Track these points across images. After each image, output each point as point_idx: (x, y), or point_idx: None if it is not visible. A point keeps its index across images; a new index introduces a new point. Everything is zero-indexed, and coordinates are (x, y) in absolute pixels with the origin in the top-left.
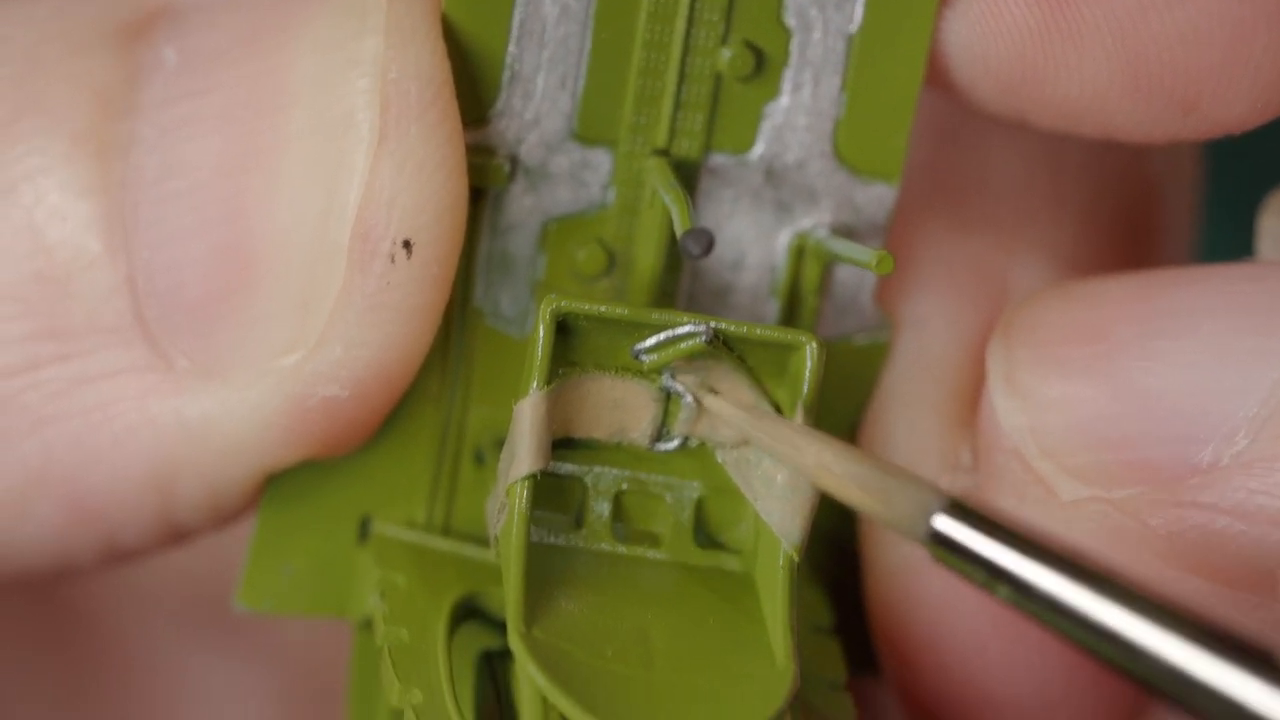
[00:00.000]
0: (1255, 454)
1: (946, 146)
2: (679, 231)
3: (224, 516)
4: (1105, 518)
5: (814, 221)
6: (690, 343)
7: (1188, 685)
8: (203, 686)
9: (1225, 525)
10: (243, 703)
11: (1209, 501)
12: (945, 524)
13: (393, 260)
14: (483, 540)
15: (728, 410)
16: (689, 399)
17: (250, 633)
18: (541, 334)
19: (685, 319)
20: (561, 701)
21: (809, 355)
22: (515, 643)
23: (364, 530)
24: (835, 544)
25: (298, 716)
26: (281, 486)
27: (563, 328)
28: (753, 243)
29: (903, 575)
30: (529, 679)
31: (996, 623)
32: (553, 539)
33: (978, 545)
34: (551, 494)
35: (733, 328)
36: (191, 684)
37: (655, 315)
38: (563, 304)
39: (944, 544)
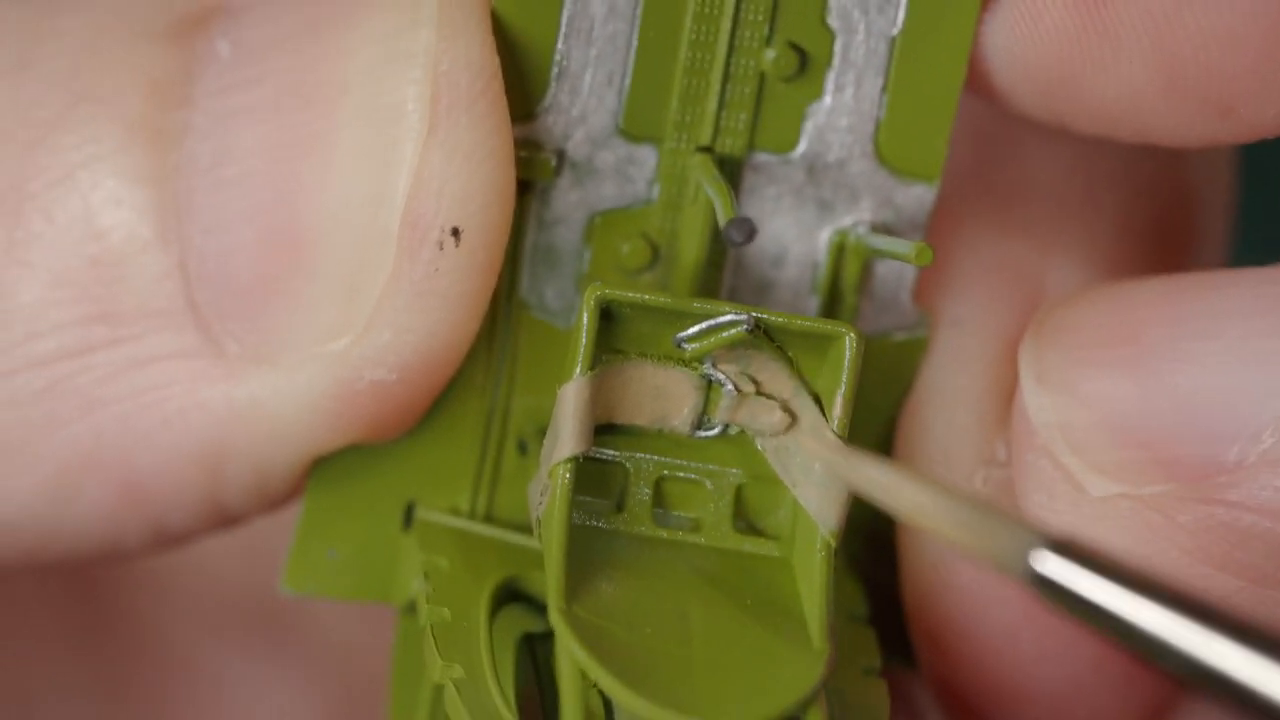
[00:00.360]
0: None
1: (985, 150)
2: (722, 221)
3: (272, 500)
4: (1133, 514)
5: (855, 219)
6: (731, 331)
7: None
8: (241, 688)
9: (1252, 522)
10: (281, 705)
11: (1236, 499)
12: (1045, 563)
13: (441, 247)
14: (525, 529)
15: (819, 449)
16: (730, 387)
17: (290, 635)
18: (586, 320)
19: (727, 308)
20: (600, 674)
21: (848, 346)
22: (555, 618)
23: (409, 517)
24: (873, 537)
25: (341, 715)
26: (328, 471)
27: (607, 316)
28: (794, 240)
29: (937, 567)
30: (568, 654)
31: (1028, 613)
32: (594, 522)
33: (1078, 584)
34: (594, 479)
35: (774, 317)
36: (230, 686)
37: (697, 304)
38: (607, 292)
39: (1045, 584)
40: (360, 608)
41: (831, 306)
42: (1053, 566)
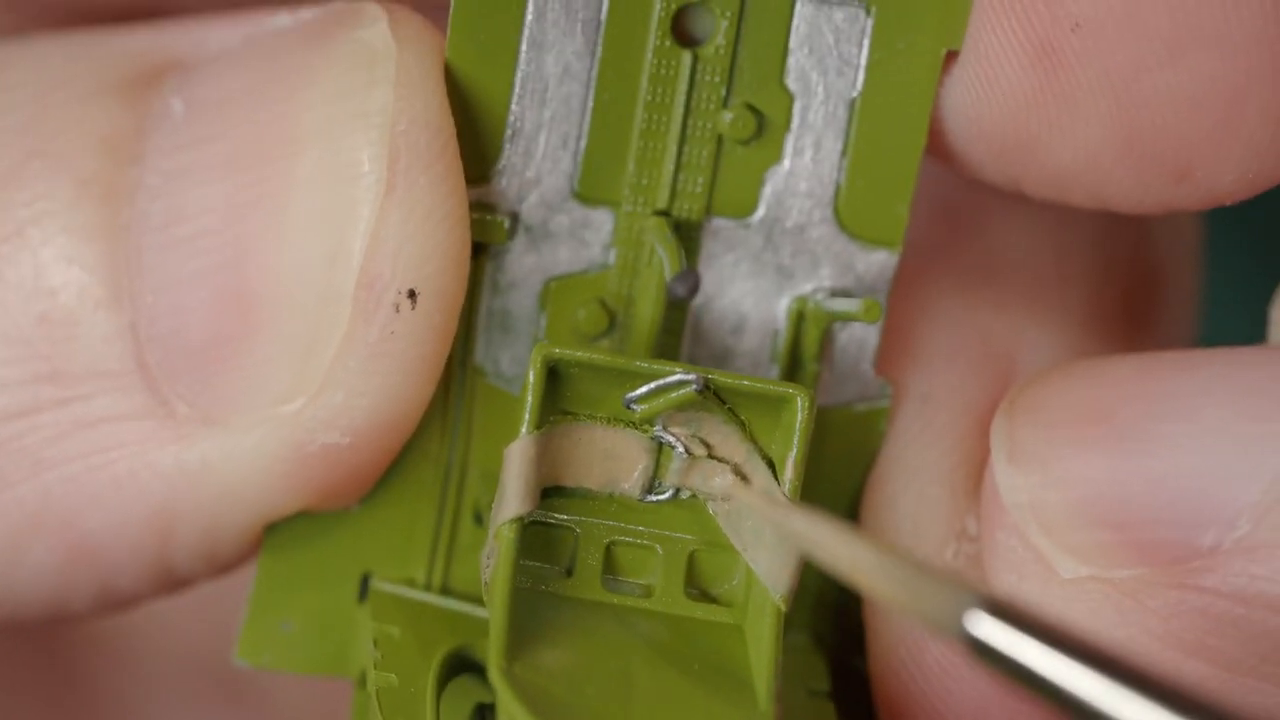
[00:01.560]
0: (1257, 540)
1: (953, 224)
2: (668, 279)
3: (221, 565)
4: (1104, 597)
5: (815, 286)
6: (681, 392)
7: None
8: None
9: (1225, 609)
10: None
11: (1209, 585)
12: (980, 625)
13: (397, 310)
14: (480, 601)
15: (756, 502)
16: (680, 449)
17: (248, 701)
18: (532, 379)
19: (676, 368)
20: None
21: (799, 407)
22: (495, 677)
23: (364, 588)
24: (840, 616)
25: None
26: (281, 540)
27: (555, 375)
28: (753, 307)
29: (905, 644)
30: (507, 713)
31: (999, 693)
32: (543, 587)
33: (1013, 648)
34: (543, 544)
35: (724, 378)
36: None
37: (645, 364)
38: (554, 350)
39: (978, 645)
40: (317, 677)
41: (791, 375)
42: (987, 629)
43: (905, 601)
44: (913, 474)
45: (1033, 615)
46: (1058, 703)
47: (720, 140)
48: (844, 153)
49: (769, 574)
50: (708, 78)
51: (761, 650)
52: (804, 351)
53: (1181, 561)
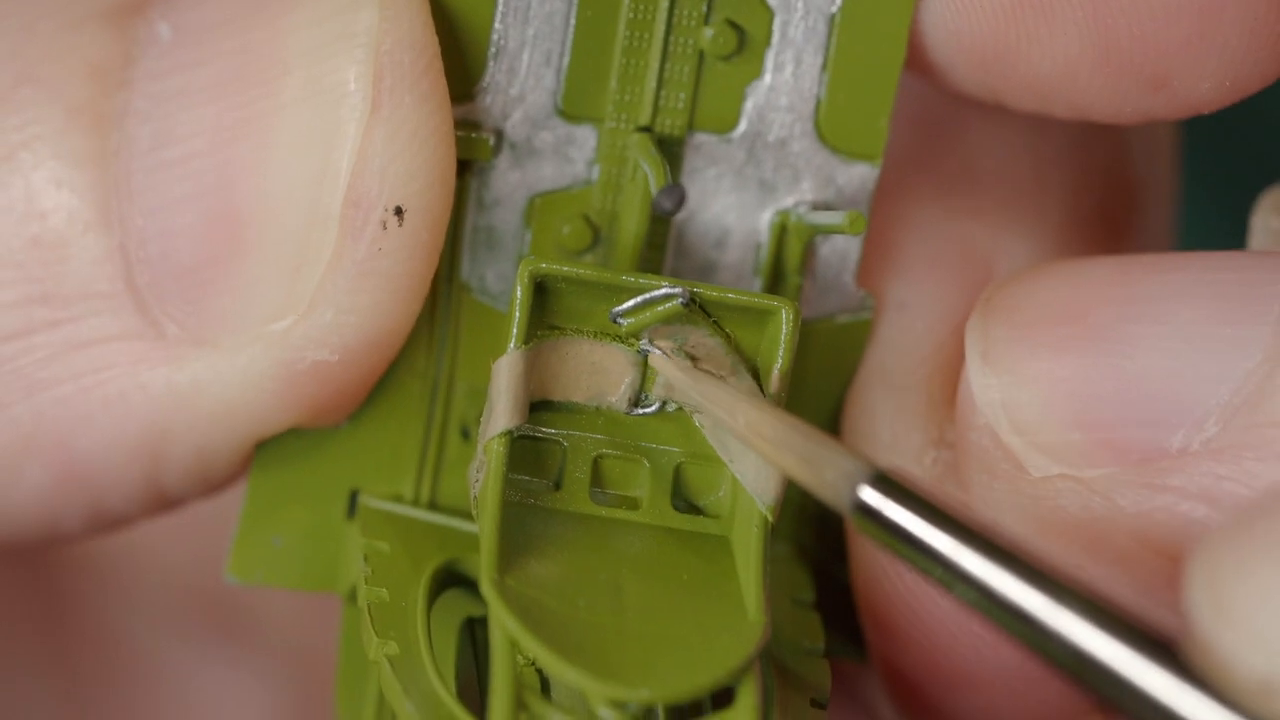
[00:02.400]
0: (1224, 441)
1: (931, 136)
2: (654, 193)
3: (212, 483)
4: (1074, 495)
5: (796, 200)
6: (667, 305)
7: (1087, 666)
8: (190, 678)
9: (1191, 509)
10: (230, 693)
11: (1177, 485)
12: (870, 495)
13: (384, 227)
14: (468, 515)
15: (668, 369)
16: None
17: (239, 624)
18: (519, 294)
19: (662, 282)
20: (530, 642)
21: (784, 320)
22: (487, 589)
23: (352, 504)
24: (823, 527)
25: (290, 709)
26: (271, 458)
27: (542, 290)
28: (736, 221)
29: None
30: (499, 624)
31: None
32: (532, 501)
33: (899, 518)
34: (531, 457)
35: (709, 291)
36: (178, 675)
37: (631, 278)
38: (541, 265)
39: (868, 515)
40: (310, 597)
41: (774, 288)
42: (876, 497)
43: (802, 471)
44: (891, 383)
45: (921, 487)
46: (940, 574)
47: (701, 56)
48: (824, 67)
49: (755, 485)
50: None
51: (749, 560)
52: (786, 264)
53: (1150, 461)
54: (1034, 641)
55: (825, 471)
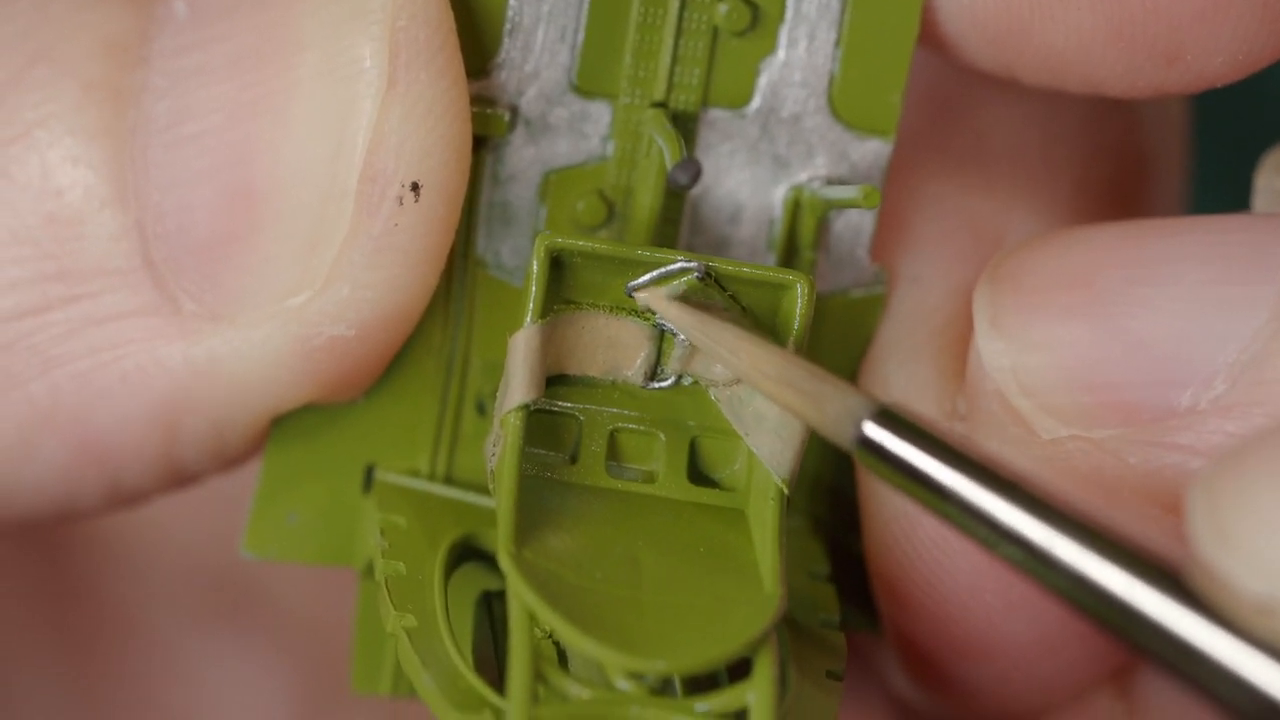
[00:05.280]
0: (1233, 399)
1: (943, 111)
2: (669, 167)
3: (229, 459)
4: (1084, 456)
5: (810, 175)
6: (683, 279)
7: (1091, 594)
8: (204, 658)
9: (1201, 467)
10: (243, 674)
11: (1186, 443)
12: (874, 430)
13: (400, 203)
14: (484, 490)
15: (671, 312)
16: (682, 337)
17: (253, 604)
18: (536, 268)
19: (678, 256)
20: (548, 614)
21: (799, 294)
22: (504, 562)
23: (368, 479)
24: (837, 499)
25: (305, 685)
26: (287, 433)
27: (558, 265)
28: (750, 196)
29: (899, 522)
30: (517, 596)
31: (992, 566)
32: (548, 474)
33: (904, 452)
34: (547, 431)
35: (725, 265)
36: (192, 655)
37: (647, 252)
38: (557, 240)
39: (872, 450)
40: (323, 576)
41: (788, 262)
42: (879, 432)
43: (806, 407)
44: (904, 356)
45: (924, 422)
46: (943, 507)
47: (716, 32)
48: (838, 42)
49: (771, 457)
50: None
51: (765, 533)
52: (800, 239)
53: (1160, 420)
54: (1039, 572)
55: (829, 408)
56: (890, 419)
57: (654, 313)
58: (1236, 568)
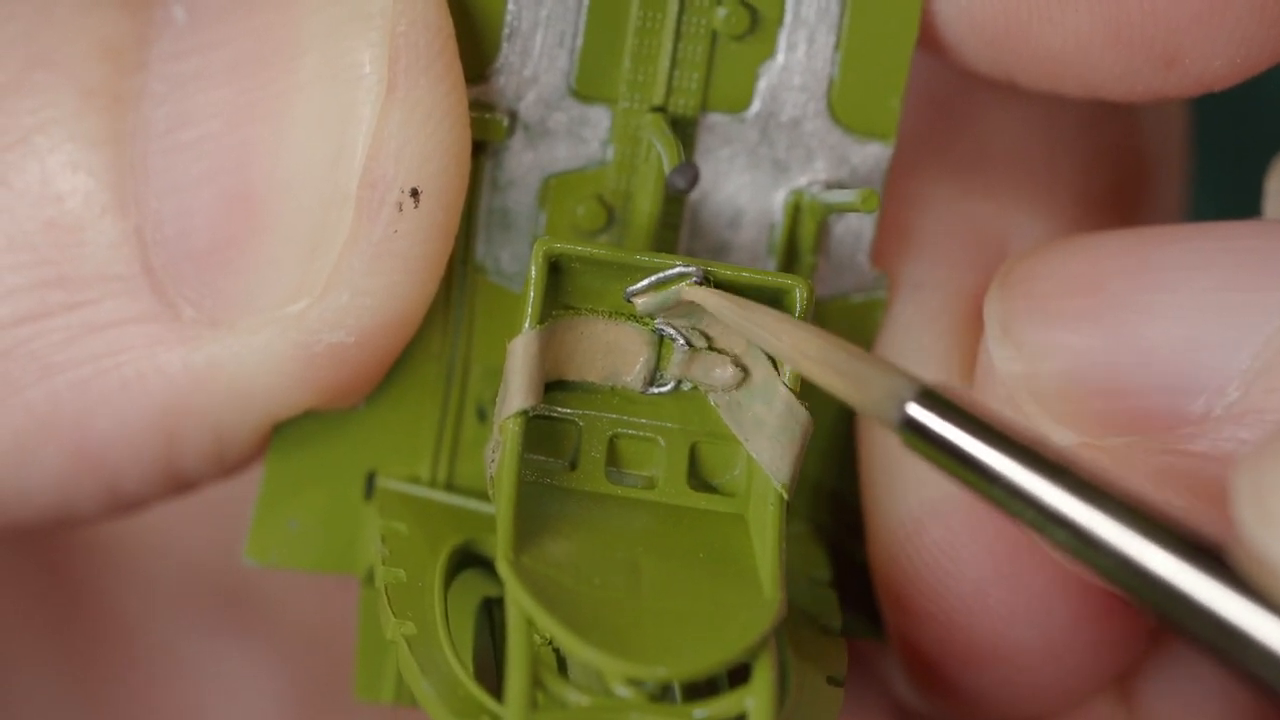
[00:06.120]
0: (1246, 406)
1: (944, 116)
2: (667, 172)
3: (229, 465)
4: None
5: (810, 179)
6: (682, 284)
7: (1137, 575)
8: (204, 664)
9: (1215, 474)
10: (244, 679)
11: (1199, 450)
12: (917, 411)
13: (400, 209)
14: (485, 496)
15: (709, 299)
16: (681, 342)
17: (254, 610)
18: (534, 273)
19: (676, 261)
20: (546, 620)
21: (798, 298)
22: (503, 568)
23: (370, 486)
24: (840, 506)
25: (306, 691)
26: (288, 440)
27: (556, 270)
28: (750, 200)
29: (904, 527)
30: (515, 603)
31: (998, 572)
32: (548, 481)
33: (948, 433)
34: (547, 437)
35: (723, 270)
36: (193, 661)
37: (645, 257)
38: (555, 245)
39: (916, 430)
40: (324, 583)
41: (789, 267)
42: (923, 413)
43: (849, 389)
44: (909, 362)
45: (969, 403)
46: (988, 488)
47: (714, 36)
48: (837, 46)
49: (771, 462)
50: None
51: (765, 539)
52: (801, 244)
53: (1173, 428)
54: (1083, 553)
55: (872, 389)
56: (934, 400)
57: (653, 318)
58: None
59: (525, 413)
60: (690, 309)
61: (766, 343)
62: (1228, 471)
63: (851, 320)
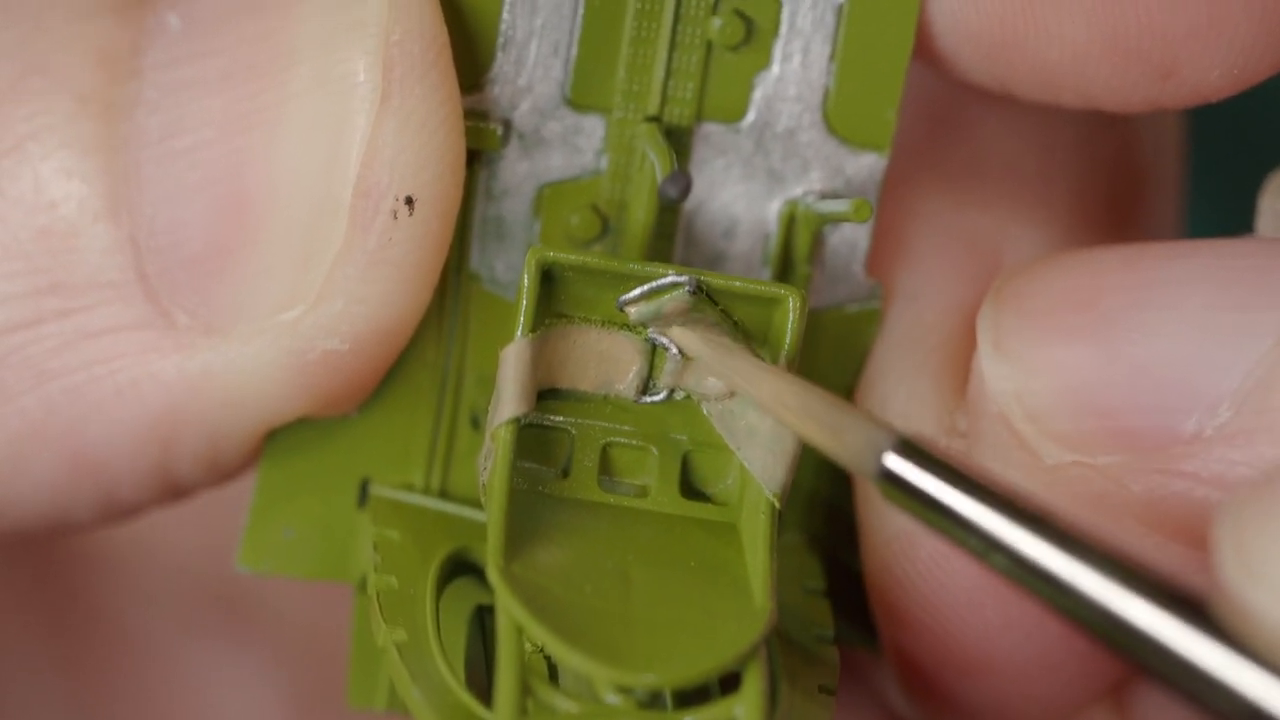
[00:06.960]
0: (1237, 426)
1: (940, 127)
2: (660, 180)
3: (223, 473)
4: (1087, 482)
5: (805, 189)
6: (675, 293)
7: (1118, 628)
8: (200, 670)
9: (1205, 494)
10: (239, 685)
11: (1190, 470)
12: (895, 462)
13: (394, 217)
14: (479, 504)
15: (691, 341)
16: (674, 351)
17: (248, 616)
18: (527, 281)
19: (669, 270)
20: (535, 628)
21: (792, 308)
22: (493, 576)
23: (363, 494)
24: (834, 516)
25: (300, 698)
26: (281, 447)
27: (549, 279)
28: (744, 210)
29: (899, 540)
30: (505, 611)
31: (992, 584)
32: (540, 489)
33: (925, 484)
34: (539, 446)
35: (716, 279)
36: (188, 667)
37: (638, 266)
38: (548, 253)
39: (893, 482)
40: (319, 588)
41: (783, 277)
42: (901, 464)
43: (826, 439)
44: (902, 373)
45: (946, 454)
46: (966, 539)
47: (709, 46)
48: (832, 57)
49: (763, 471)
50: None
51: (757, 548)
52: (795, 254)
53: (1164, 448)
54: (1063, 605)
55: (849, 439)
56: (912, 450)
57: (646, 327)
58: (1263, 599)
59: (517, 420)
60: (683, 318)
61: (744, 390)
62: (1214, 504)
63: (846, 331)
